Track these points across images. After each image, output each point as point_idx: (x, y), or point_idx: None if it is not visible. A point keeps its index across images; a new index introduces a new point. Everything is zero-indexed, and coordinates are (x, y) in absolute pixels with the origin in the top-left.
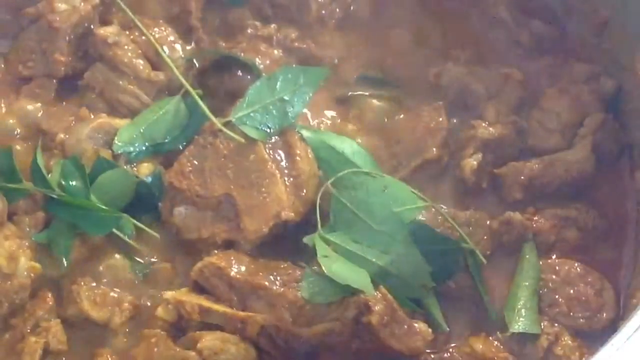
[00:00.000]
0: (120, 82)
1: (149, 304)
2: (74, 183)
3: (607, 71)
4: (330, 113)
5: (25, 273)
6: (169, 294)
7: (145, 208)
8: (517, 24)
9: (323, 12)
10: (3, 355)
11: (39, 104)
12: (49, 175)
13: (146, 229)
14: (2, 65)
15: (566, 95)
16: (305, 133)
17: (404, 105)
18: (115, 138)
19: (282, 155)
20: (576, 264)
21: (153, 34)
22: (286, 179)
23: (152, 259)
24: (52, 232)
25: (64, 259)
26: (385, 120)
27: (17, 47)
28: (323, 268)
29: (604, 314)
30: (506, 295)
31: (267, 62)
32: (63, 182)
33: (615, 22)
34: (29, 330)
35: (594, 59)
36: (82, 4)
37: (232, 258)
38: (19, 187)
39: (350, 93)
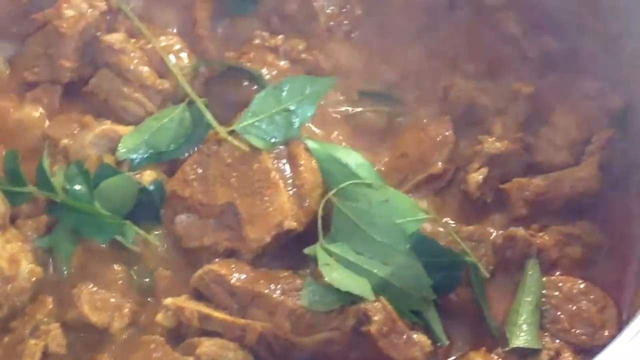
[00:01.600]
0: (126, 90)
1: (148, 309)
2: (78, 188)
3: (616, 88)
4: (335, 125)
5: (26, 276)
6: (168, 300)
7: (147, 215)
8: (527, 40)
9: (331, 23)
10: (3, 357)
11: (43, 110)
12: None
13: (148, 236)
14: (8, 71)
15: (575, 111)
16: (310, 144)
17: (410, 119)
18: (119, 145)
19: (286, 165)
20: (579, 281)
21: (159, 42)
22: (289, 188)
23: (153, 266)
24: (55, 237)
25: (65, 264)
26: (391, 133)
27: (23, 53)
28: (324, 275)
29: (606, 332)
30: (508, 310)
31: (274, 72)
32: (67, 187)
33: (625, 39)
34: (28, 333)
35: (603, 76)
36: (90, 10)
37: (232, 266)
38: (23, 190)
39: (356, 106)
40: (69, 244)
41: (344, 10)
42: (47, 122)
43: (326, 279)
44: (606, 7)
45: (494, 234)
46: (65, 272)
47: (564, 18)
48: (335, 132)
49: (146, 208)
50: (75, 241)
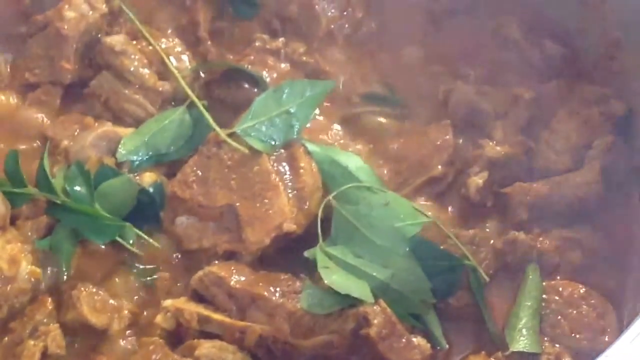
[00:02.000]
0: (126, 91)
1: (148, 311)
2: (78, 189)
3: (618, 94)
4: (336, 129)
5: (26, 277)
6: (168, 302)
7: (147, 217)
8: (528, 45)
9: (332, 27)
10: (2, 358)
11: (44, 111)
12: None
13: (147, 238)
14: (9, 72)
15: (576, 116)
16: (311, 146)
17: (410, 123)
18: (120, 146)
19: (286, 167)
20: (580, 286)
21: (160, 44)
22: (289, 191)
23: (152, 268)
24: (55, 238)
25: (66, 266)
26: (392, 137)
27: (24, 54)
28: (323, 277)
29: (606, 337)
30: (508, 314)
31: (274, 75)
32: (68, 188)
33: (627, 45)
34: (27, 334)
35: (605, 81)
36: (91, 12)
37: (232, 268)
38: (24, 192)
39: (357, 109)
40: (69, 245)
41: (345, 13)
42: (47, 124)
43: (326, 281)
44: (608, 12)
45: (494, 238)
46: (66, 273)
47: (566, 23)
48: (336, 135)
49: (146, 210)
50: (76, 242)
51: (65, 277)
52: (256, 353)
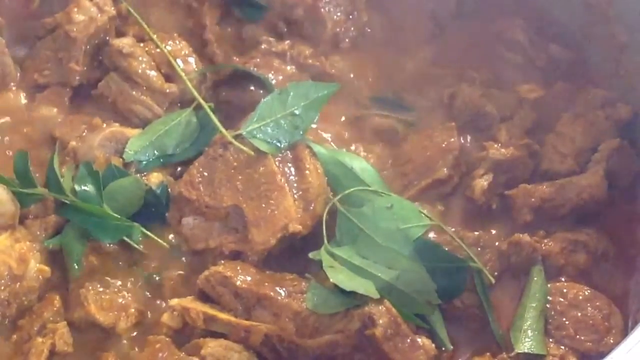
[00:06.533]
0: (134, 93)
1: (154, 310)
2: (86, 189)
3: (624, 97)
4: (341, 131)
5: (35, 275)
6: (174, 301)
7: (153, 216)
8: (534, 48)
9: (338, 30)
10: (11, 355)
11: (53, 112)
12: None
13: (155, 237)
14: (19, 73)
15: (581, 120)
16: (316, 148)
17: (415, 125)
18: (127, 147)
19: (292, 168)
20: (585, 288)
21: (167, 47)
22: (295, 192)
23: (160, 267)
24: (65, 237)
25: (76, 264)
26: (397, 139)
27: (33, 56)
28: (329, 276)
29: (611, 339)
30: (512, 316)
31: (280, 77)
32: (76, 188)
33: (633, 49)
34: (36, 332)
35: (610, 85)
36: (99, 15)
37: (238, 268)
38: (34, 192)
39: (362, 112)
40: (79, 244)
41: (351, 16)
42: (56, 124)
43: (331, 280)
44: (614, 16)
45: (499, 240)
46: (78, 272)
47: (572, 26)
48: (341, 137)
49: (153, 209)
50: (85, 242)
51: (75, 275)
52: (262, 352)
